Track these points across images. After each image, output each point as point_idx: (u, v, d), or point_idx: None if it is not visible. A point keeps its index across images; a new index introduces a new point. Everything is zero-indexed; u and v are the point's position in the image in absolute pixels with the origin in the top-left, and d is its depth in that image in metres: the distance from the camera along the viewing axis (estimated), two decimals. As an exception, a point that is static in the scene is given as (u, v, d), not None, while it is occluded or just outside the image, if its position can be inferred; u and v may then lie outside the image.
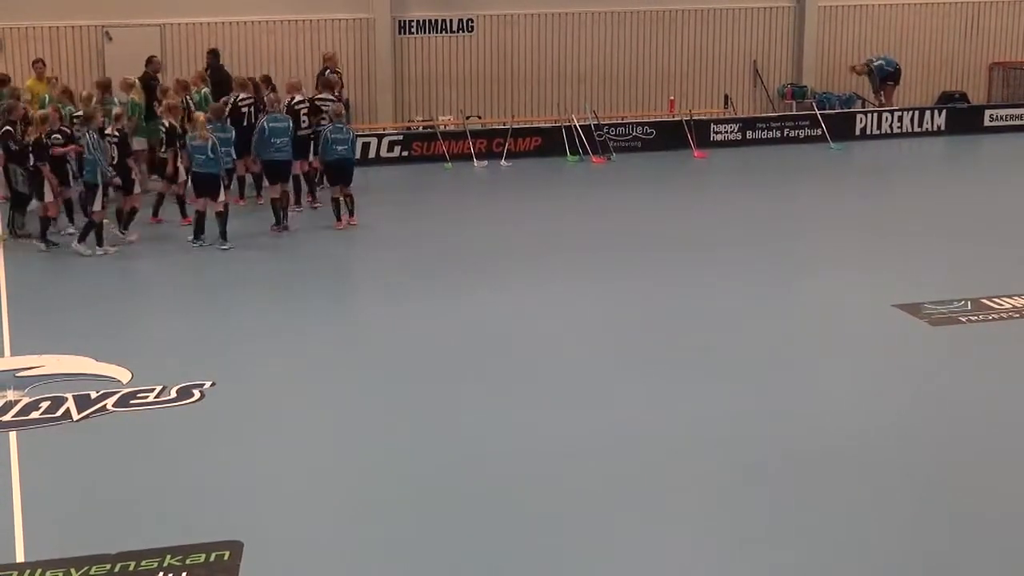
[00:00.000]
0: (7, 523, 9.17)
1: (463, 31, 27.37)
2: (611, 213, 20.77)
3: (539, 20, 27.81)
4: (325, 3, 26.55)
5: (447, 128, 26.35)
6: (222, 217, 17.94)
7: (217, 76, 23.92)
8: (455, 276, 16.51)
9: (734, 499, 9.64)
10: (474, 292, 15.67)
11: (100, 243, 17.56)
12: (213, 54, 24.21)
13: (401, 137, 25.67)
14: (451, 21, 27.27)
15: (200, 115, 18.09)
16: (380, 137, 25.49)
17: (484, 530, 9.08)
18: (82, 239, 17.58)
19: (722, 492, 9.76)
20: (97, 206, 17.43)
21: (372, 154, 25.08)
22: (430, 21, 27.19)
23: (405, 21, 27.03)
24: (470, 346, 13.50)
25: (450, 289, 15.84)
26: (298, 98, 20.42)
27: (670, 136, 26.81)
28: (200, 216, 17.93)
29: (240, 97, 20.53)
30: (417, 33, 27.13)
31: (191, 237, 18.03)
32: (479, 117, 27.01)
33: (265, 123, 19.11)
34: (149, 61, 22.83)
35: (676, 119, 27.35)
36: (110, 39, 25.60)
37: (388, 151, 25.43)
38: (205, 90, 21.76)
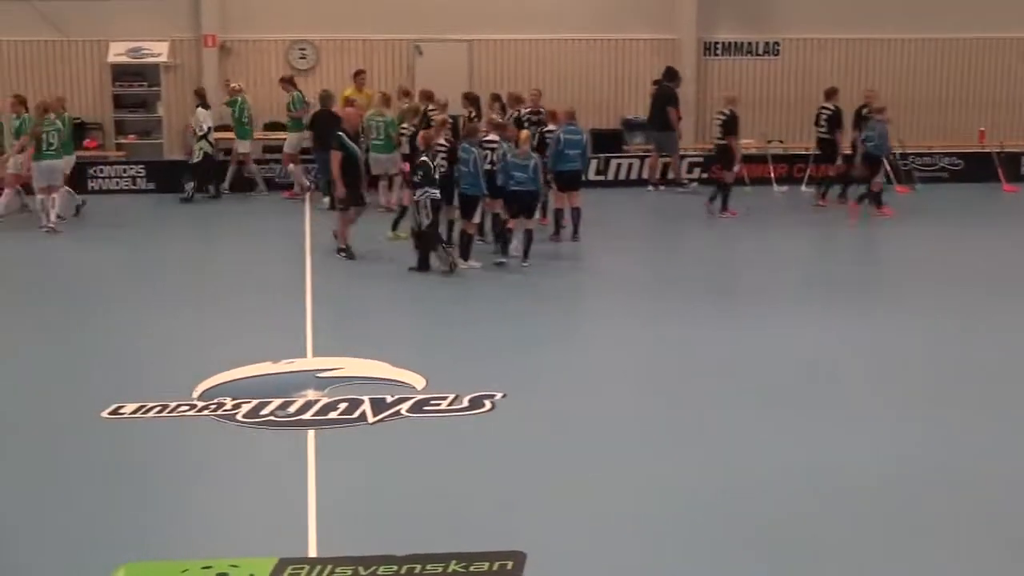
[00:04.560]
0: (302, 518, 9.42)
1: (769, 54, 27.04)
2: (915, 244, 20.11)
3: (843, 45, 27.22)
4: (629, 23, 26.58)
5: (747, 151, 26.01)
6: (528, 234, 18.01)
7: (666, 93, 24.42)
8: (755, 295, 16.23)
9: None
10: (755, 318, 15.37)
11: (467, 256, 17.80)
12: (669, 73, 24.94)
13: (702, 159, 25.57)
14: (757, 44, 26.97)
15: (525, 133, 18.28)
16: (682, 159, 25.53)
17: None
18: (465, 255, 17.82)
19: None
20: (476, 218, 18.02)
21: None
22: (736, 43, 26.94)
23: (711, 43, 26.85)
24: (772, 373, 13.23)
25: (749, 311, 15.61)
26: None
27: (978, 168, 25.84)
28: (508, 232, 18.02)
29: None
30: (723, 56, 26.92)
31: (500, 257, 18.02)
32: (781, 141, 26.60)
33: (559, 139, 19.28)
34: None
35: (986, 150, 26.33)
36: (420, 53, 26.30)
37: (687, 172, 25.48)
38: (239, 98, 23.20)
